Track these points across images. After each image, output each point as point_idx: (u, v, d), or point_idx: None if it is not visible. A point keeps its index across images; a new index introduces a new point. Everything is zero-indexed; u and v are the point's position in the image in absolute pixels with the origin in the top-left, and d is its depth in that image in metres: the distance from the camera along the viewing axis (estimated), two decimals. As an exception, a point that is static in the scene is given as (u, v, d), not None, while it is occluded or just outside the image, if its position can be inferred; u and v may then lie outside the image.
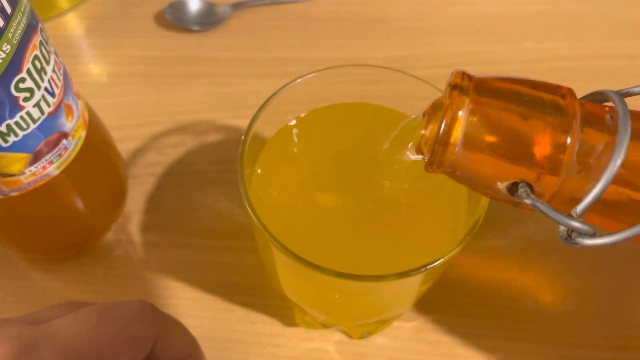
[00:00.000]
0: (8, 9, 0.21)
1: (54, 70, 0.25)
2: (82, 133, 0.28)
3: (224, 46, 0.44)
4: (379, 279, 0.21)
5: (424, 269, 0.21)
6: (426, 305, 0.32)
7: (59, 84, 0.25)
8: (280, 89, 0.25)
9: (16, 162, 0.24)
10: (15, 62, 0.22)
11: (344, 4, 0.46)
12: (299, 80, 0.26)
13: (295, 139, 0.27)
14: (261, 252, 0.26)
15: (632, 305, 0.31)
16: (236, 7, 0.45)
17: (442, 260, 0.21)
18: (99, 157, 0.31)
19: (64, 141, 0.26)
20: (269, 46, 0.44)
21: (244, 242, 0.34)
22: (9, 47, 0.21)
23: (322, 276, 0.21)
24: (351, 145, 0.26)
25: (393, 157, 0.26)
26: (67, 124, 0.26)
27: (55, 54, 0.25)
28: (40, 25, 0.24)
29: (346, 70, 0.26)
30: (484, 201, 0.22)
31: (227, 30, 0.45)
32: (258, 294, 0.32)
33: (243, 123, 0.39)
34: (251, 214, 0.22)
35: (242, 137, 0.24)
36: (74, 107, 0.27)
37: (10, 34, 0.21)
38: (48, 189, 0.27)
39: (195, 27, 0.44)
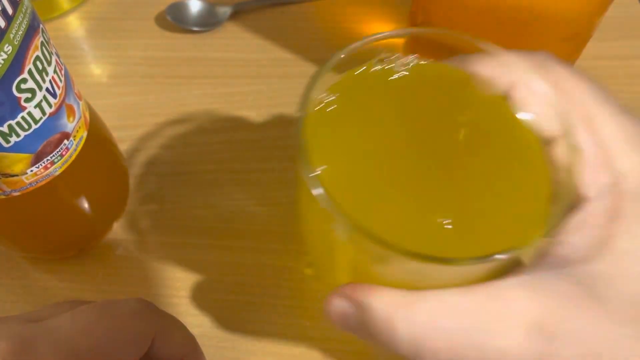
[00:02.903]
0: (9, 10, 0.21)
1: (55, 71, 0.25)
2: (84, 133, 0.28)
3: (224, 47, 0.44)
4: (480, 260, 0.17)
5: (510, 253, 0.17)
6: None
7: (60, 84, 0.25)
8: (337, 53, 0.23)
9: (18, 162, 0.24)
10: (16, 63, 0.22)
11: (343, 5, 0.46)
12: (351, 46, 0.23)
13: (342, 105, 0.23)
14: (311, 230, 0.23)
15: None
16: (236, 8, 0.46)
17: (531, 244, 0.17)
18: (100, 158, 0.31)
19: (66, 141, 0.26)
20: (269, 47, 0.44)
21: (244, 242, 0.34)
22: (10, 48, 0.22)
23: (398, 258, 0.17)
24: (411, 106, 0.22)
25: (468, 117, 0.22)
26: (69, 124, 0.26)
27: (57, 54, 0.26)
28: (41, 26, 0.24)
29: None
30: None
31: (227, 31, 0.45)
32: (258, 293, 0.32)
33: (243, 123, 0.39)
34: (313, 185, 0.18)
35: (300, 101, 0.21)
36: (75, 107, 0.27)
37: (11, 35, 0.21)
38: (50, 189, 0.27)
39: (195, 28, 0.45)
